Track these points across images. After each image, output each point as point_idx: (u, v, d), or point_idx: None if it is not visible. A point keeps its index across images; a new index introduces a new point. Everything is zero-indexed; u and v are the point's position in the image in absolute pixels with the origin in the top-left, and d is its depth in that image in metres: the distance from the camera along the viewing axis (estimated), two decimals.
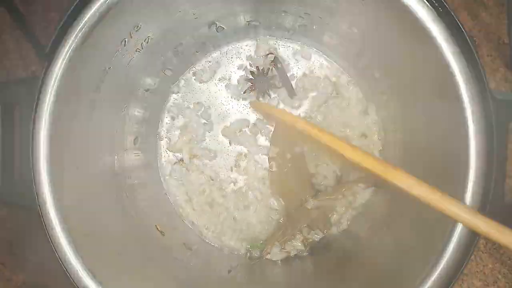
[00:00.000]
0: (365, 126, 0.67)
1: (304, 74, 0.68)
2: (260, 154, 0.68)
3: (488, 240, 0.68)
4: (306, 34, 0.66)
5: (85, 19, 0.48)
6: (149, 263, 0.58)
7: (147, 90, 0.65)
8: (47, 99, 0.47)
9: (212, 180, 0.68)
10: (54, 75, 0.47)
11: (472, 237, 0.45)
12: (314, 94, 0.68)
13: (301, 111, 0.68)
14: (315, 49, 0.69)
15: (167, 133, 0.69)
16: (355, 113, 0.67)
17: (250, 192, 0.68)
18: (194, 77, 0.69)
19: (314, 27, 0.64)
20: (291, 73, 0.68)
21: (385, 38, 0.55)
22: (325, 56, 0.69)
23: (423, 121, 0.55)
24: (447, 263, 0.46)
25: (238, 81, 0.68)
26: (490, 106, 0.45)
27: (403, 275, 0.50)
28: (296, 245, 0.66)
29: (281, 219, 0.67)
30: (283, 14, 0.63)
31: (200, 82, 0.69)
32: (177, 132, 0.69)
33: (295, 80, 0.68)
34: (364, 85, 0.67)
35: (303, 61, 0.69)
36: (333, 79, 0.68)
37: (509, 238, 0.42)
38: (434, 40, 0.46)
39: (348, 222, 0.67)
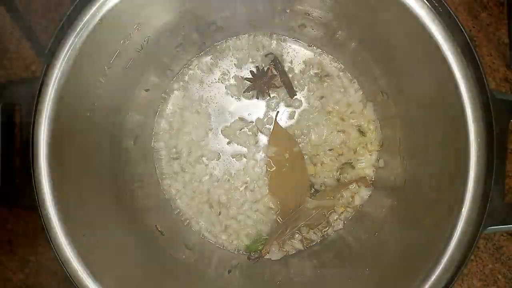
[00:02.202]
0: (363, 124, 0.67)
1: (304, 73, 0.68)
2: (259, 154, 0.68)
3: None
4: (306, 34, 0.66)
5: (85, 19, 0.48)
6: (149, 263, 0.58)
7: (147, 90, 0.65)
8: (47, 99, 0.47)
9: (212, 179, 0.68)
10: (54, 75, 0.47)
11: (472, 237, 0.45)
12: (314, 93, 0.68)
13: (300, 110, 0.68)
14: (314, 48, 0.69)
15: (167, 133, 0.69)
16: (354, 111, 0.67)
17: (249, 192, 0.68)
18: (193, 77, 0.69)
19: (314, 27, 0.64)
20: (291, 73, 0.68)
21: (385, 38, 0.55)
22: (325, 55, 0.69)
23: (422, 120, 0.55)
24: (447, 263, 0.46)
25: (238, 81, 0.68)
26: (490, 106, 0.45)
27: (403, 275, 0.50)
28: (295, 244, 0.66)
29: (280, 218, 0.67)
30: (282, 14, 0.63)
31: (200, 82, 0.69)
32: (177, 132, 0.69)
33: (295, 79, 0.68)
34: (364, 84, 0.67)
35: (303, 60, 0.69)
36: (334, 77, 0.68)
37: None
38: (434, 40, 0.46)
39: (347, 222, 0.67)
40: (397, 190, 0.60)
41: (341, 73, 0.68)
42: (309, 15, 0.61)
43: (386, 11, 0.50)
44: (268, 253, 0.65)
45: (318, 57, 0.69)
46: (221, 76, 0.69)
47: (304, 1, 0.58)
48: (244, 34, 0.69)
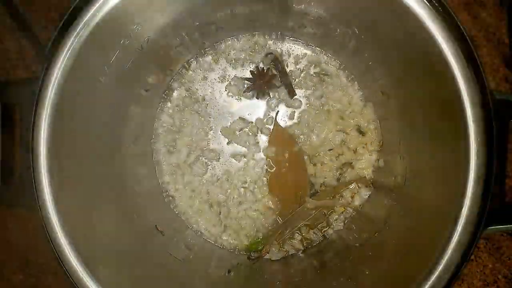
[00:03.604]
0: (363, 123, 0.67)
1: (304, 73, 0.68)
2: (259, 154, 0.68)
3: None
4: (306, 34, 0.66)
5: (85, 19, 0.48)
6: (149, 263, 0.58)
7: (147, 90, 0.65)
8: (47, 99, 0.47)
9: (212, 179, 0.68)
10: (54, 75, 0.47)
11: (472, 237, 0.45)
12: (314, 93, 0.68)
13: (300, 110, 0.68)
14: (314, 49, 0.69)
15: (167, 133, 0.69)
16: (354, 111, 0.67)
17: (249, 192, 0.68)
18: (193, 77, 0.69)
19: (314, 27, 0.64)
20: (291, 72, 0.68)
21: (385, 38, 0.55)
22: (324, 54, 0.68)
23: (422, 120, 0.55)
24: (447, 263, 0.46)
25: (237, 81, 0.68)
26: (490, 106, 0.45)
27: (402, 275, 0.50)
28: (295, 244, 0.66)
29: (280, 218, 0.67)
30: (282, 15, 0.63)
31: (200, 82, 0.69)
32: (177, 132, 0.69)
33: (295, 79, 0.68)
34: (364, 84, 0.67)
35: (303, 60, 0.69)
36: (334, 77, 0.68)
37: None
38: (434, 40, 0.46)
39: (347, 222, 0.67)
40: (397, 190, 0.60)
41: (340, 73, 0.68)
42: (308, 15, 0.61)
43: (385, 11, 0.50)
44: (268, 253, 0.65)
45: (318, 57, 0.69)
46: (221, 76, 0.69)
47: (304, 1, 0.58)
48: (244, 34, 0.69)
